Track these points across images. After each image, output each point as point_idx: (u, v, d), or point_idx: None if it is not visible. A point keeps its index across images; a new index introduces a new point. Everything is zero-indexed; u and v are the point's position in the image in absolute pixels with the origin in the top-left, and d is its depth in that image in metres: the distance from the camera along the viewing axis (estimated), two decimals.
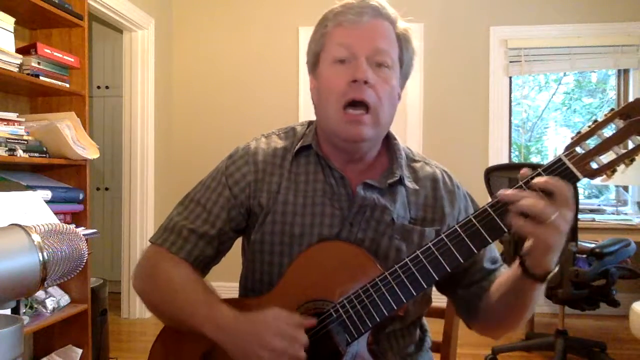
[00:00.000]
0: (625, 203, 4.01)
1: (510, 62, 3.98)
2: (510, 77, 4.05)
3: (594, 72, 4.92)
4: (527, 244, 0.87)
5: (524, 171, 0.85)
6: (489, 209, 0.86)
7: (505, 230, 0.86)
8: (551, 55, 4.00)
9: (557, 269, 0.89)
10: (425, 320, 1.18)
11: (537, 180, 0.82)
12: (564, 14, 3.90)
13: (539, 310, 3.66)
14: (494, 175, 2.92)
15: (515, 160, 4.17)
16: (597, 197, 4.50)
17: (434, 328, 1.19)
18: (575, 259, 2.70)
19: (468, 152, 3.93)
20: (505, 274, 1.00)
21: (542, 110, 5.44)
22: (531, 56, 3.97)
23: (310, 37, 1.08)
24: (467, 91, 4.00)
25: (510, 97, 4.07)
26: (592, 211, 3.75)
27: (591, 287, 2.67)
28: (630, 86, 4.01)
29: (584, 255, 2.74)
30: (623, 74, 4.07)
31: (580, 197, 3.83)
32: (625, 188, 4.00)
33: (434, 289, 1.11)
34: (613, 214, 3.79)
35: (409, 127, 3.94)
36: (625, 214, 3.79)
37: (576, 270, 2.61)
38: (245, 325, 0.91)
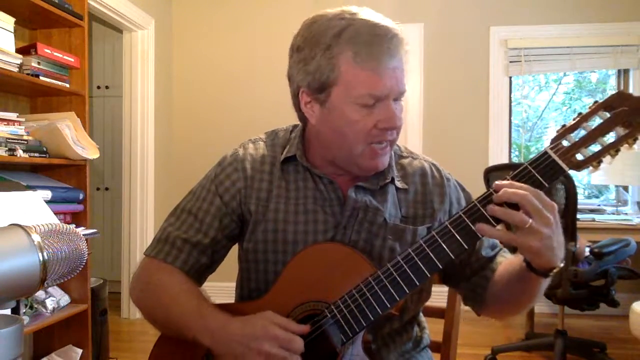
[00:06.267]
0: (625, 203, 4.01)
1: (510, 62, 3.98)
2: (510, 77, 4.05)
3: (594, 72, 4.91)
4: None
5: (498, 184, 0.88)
6: (478, 204, 0.88)
7: (495, 224, 0.86)
8: (551, 55, 4.00)
9: (563, 264, 0.90)
10: (423, 317, 1.18)
11: (496, 196, 0.85)
12: (564, 14, 3.90)
13: (538, 311, 3.65)
14: (494, 175, 2.91)
15: (515, 160, 4.17)
16: (597, 197, 4.50)
17: (434, 328, 1.19)
18: (574, 259, 2.70)
19: (468, 152, 3.92)
20: (510, 264, 1.01)
21: (542, 110, 5.44)
22: (531, 56, 3.97)
23: (306, 54, 0.99)
24: (467, 91, 4.00)
25: (510, 97, 4.07)
26: (592, 211, 3.75)
27: (590, 287, 2.67)
28: (630, 86, 4.00)
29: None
30: (623, 74, 4.06)
31: (580, 197, 3.81)
32: (625, 188, 3.99)
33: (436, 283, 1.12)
34: (613, 214, 3.78)
35: (409, 127, 3.93)
36: (626, 214, 3.79)
37: (575, 270, 2.61)
38: (238, 330, 0.91)
